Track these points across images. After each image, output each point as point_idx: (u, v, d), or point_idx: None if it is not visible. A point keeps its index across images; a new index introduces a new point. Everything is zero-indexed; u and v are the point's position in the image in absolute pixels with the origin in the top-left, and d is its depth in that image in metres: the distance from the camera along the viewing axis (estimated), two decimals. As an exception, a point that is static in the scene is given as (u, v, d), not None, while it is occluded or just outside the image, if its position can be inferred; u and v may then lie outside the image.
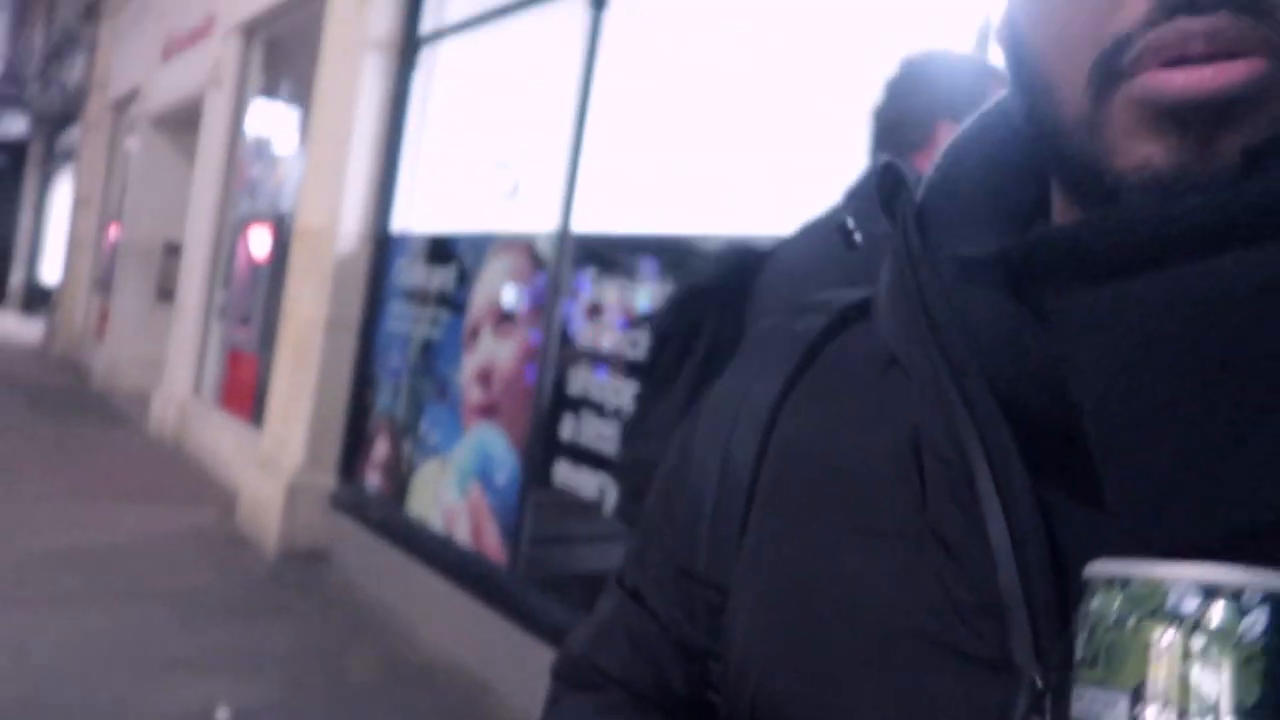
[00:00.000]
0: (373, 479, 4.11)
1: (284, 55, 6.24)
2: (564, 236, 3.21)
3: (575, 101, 3.25)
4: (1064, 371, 0.37)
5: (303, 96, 5.53)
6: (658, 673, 0.53)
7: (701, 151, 4.74)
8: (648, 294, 2.84)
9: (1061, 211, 0.43)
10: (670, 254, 2.85)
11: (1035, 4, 0.39)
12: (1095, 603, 0.28)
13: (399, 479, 3.93)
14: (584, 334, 3.07)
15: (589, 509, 2.89)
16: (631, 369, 2.83)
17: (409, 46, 4.24)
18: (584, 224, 3.21)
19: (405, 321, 4.04)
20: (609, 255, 3.06)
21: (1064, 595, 0.37)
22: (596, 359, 2.99)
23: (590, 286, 3.09)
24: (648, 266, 2.89)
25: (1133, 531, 0.34)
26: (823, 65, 4.89)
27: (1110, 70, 0.36)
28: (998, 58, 0.44)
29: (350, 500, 4.12)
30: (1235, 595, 0.27)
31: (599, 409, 2.92)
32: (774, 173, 4.59)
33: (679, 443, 0.57)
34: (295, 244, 4.63)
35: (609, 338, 2.95)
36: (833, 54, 4.79)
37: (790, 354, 0.52)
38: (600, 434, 2.90)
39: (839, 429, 0.48)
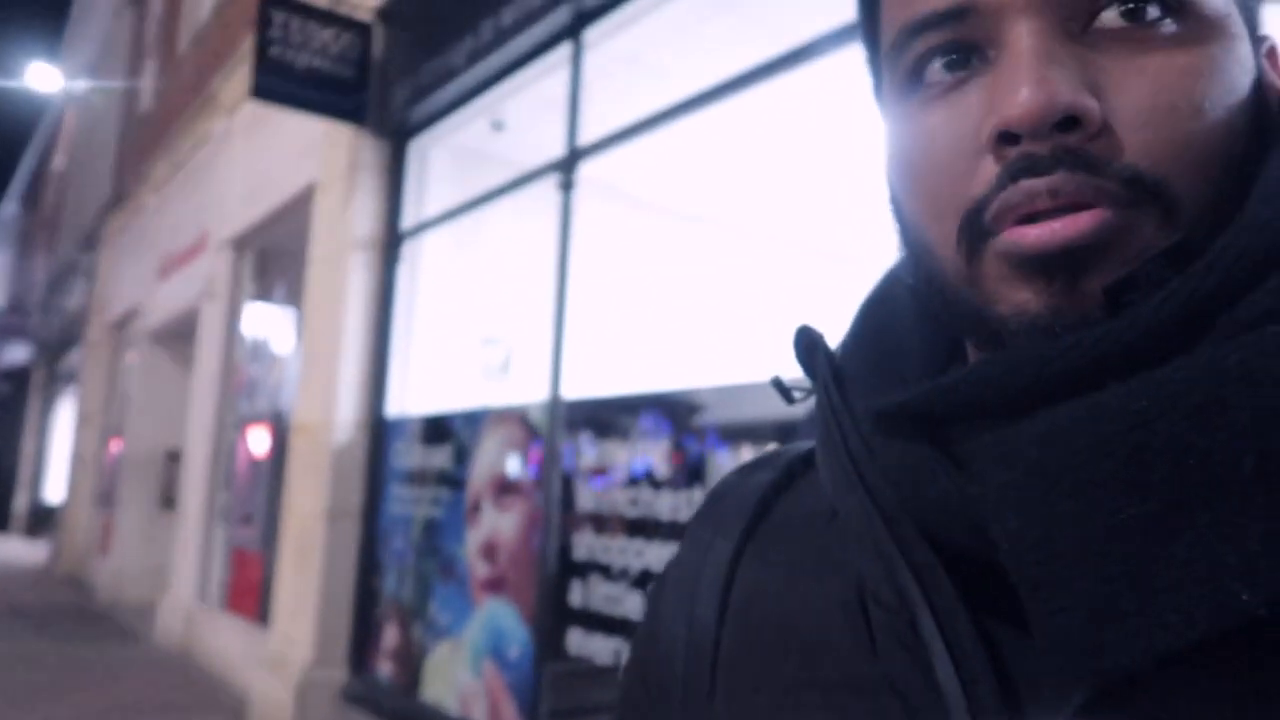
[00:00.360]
0: (384, 668, 4.04)
1: (275, 262, 6.50)
2: (555, 404, 3.29)
3: (554, 275, 3.40)
4: (981, 511, 0.37)
5: (295, 298, 5.74)
6: None
7: (678, 310, 4.89)
8: (642, 451, 2.90)
9: (972, 354, 0.45)
10: (659, 410, 2.92)
11: (907, 175, 0.42)
12: None
13: (411, 665, 3.86)
14: (583, 497, 3.10)
15: (605, 675, 2.84)
16: (634, 527, 2.84)
17: (391, 242, 4.45)
18: (573, 390, 3.29)
19: (406, 504, 4.07)
20: (600, 417, 3.12)
21: None
22: (599, 521, 3.01)
23: (585, 450, 3.14)
24: (639, 425, 2.95)
25: (1064, 664, 0.34)
26: (783, 204, 5.08)
27: (975, 230, 0.38)
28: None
29: (363, 693, 4.03)
30: None
31: (606, 571, 2.92)
32: (750, 322, 4.72)
33: (649, 608, 0.57)
34: (294, 439, 4.70)
35: (608, 499, 2.98)
36: (794, 203, 5.00)
37: (744, 510, 0.53)
38: (609, 596, 2.88)
39: (792, 583, 0.48)
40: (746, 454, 2.52)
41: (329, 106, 4.36)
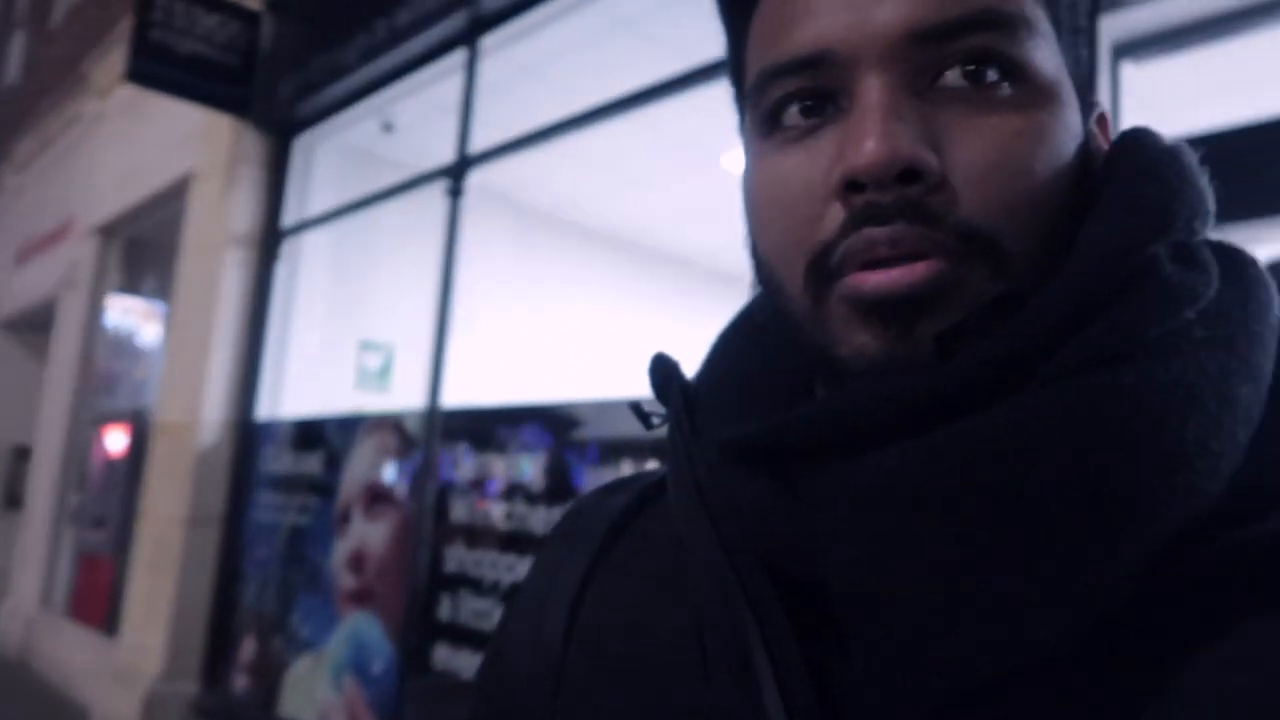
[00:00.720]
0: (240, 681, 3.87)
1: (144, 253, 6.21)
2: (433, 412, 3.23)
3: (438, 282, 3.35)
4: (816, 545, 0.38)
5: (164, 292, 5.49)
6: None
7: (563, 323, 4.88)
8: (521, 465, 2.87)
9: (820, 391, 0.46)
10: (540, 423, 2.89)
11: (761, 215, 0.43)
12: None
13: (269, 679, 3.71)
14: (457, 509, 3.05)
15: (471, 691, 2.79)
16: (508, 541, 2.81)
17: (271, 239, 4.30)
18: (452, 399, 3.24)
19: (273, 511, 3.92)
20: (479, 428, 3.08)
21: None
22: (473, 535, 2.96)
23: (463, 461, 3.09)
24: (518, 437, 2.92)
25: (883, 696, 0.36)
26: (673, 222, 5.15)
27: (822, 272, 0.40)
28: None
29: (215, 707, 3.85)
30: None
31: (477, 585, 2.87)
32: (635, 333, 4.75)
33: (498, 629, 0.57)
34: (155, 439, 4.48)
35: (484, 512, 2.94)
36: (679, 209, 5.06)
37: (596, 533, 0.53)
38: (479, 611, 2.84)
39: (638, 609, 0.48)
40: (626, 470, 2.52)
41: (211, 95, 4.20)
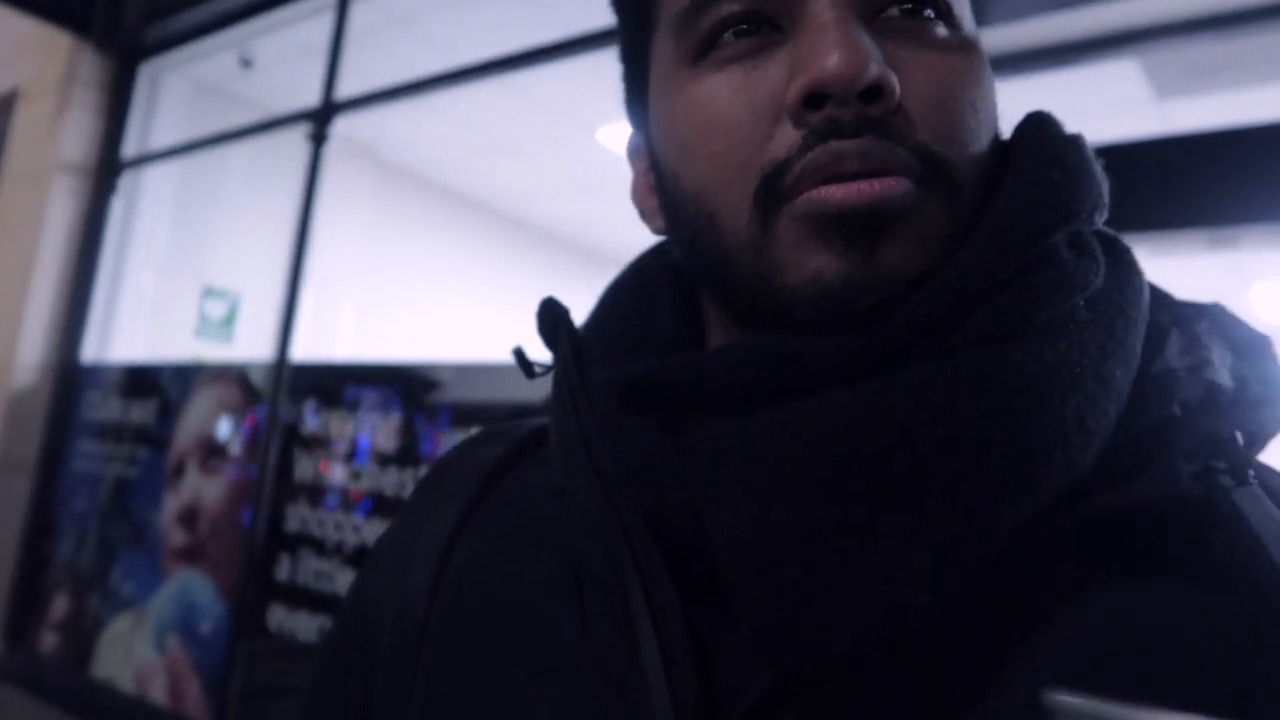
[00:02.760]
0: (49, 641, 3.62)
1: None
2: (281, 366, 3.10)
3: (293, 232, 3.21)
4: (699, 502, 0.38)
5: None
6: None
7: (424, 282, 4.78)
8: (370, 424, 2.79)
9: (715, 342, 0.46)
10: (395, 383, 2.83)
11: (692, 142, 0.41)
12: None
13: (82, 639, 3.48)
14: (303, 467, 2.95)
15: (308, 654, 2.71)
16: (350, 504, 2.74)
17: (107, 171, 4.00)
18: (301, 353, 3.12)
19: (96, 461, 3.67)
20: (327, 385, 2.98)
21: (715, 715, 0.38)
22: (317, 493, 2.87)
23: (308, 418, 2.99)
24: (369, 396, 2.84)
25: (758, 653, 0.36)
26: (539, 193, 5.13)
27: (772, 192, 0.39)
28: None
29: (19, 668, 3.59)
30: None
31: (319, 546, 2.78)
32: (494, 301, 4.71)
33: (356, 581, 0.55)
34: (-40, 378, 4.11)
35: (330, 471, 2.85)
36: (549, 179, 5.05)
37: (468, 484, 0.52)
38: (320, 572, 2.76)
39: (510, 559, 0.47)
40: (480, 436, 2.50)
41: (45, 7, 3.85)
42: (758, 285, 0.40)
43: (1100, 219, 0.42)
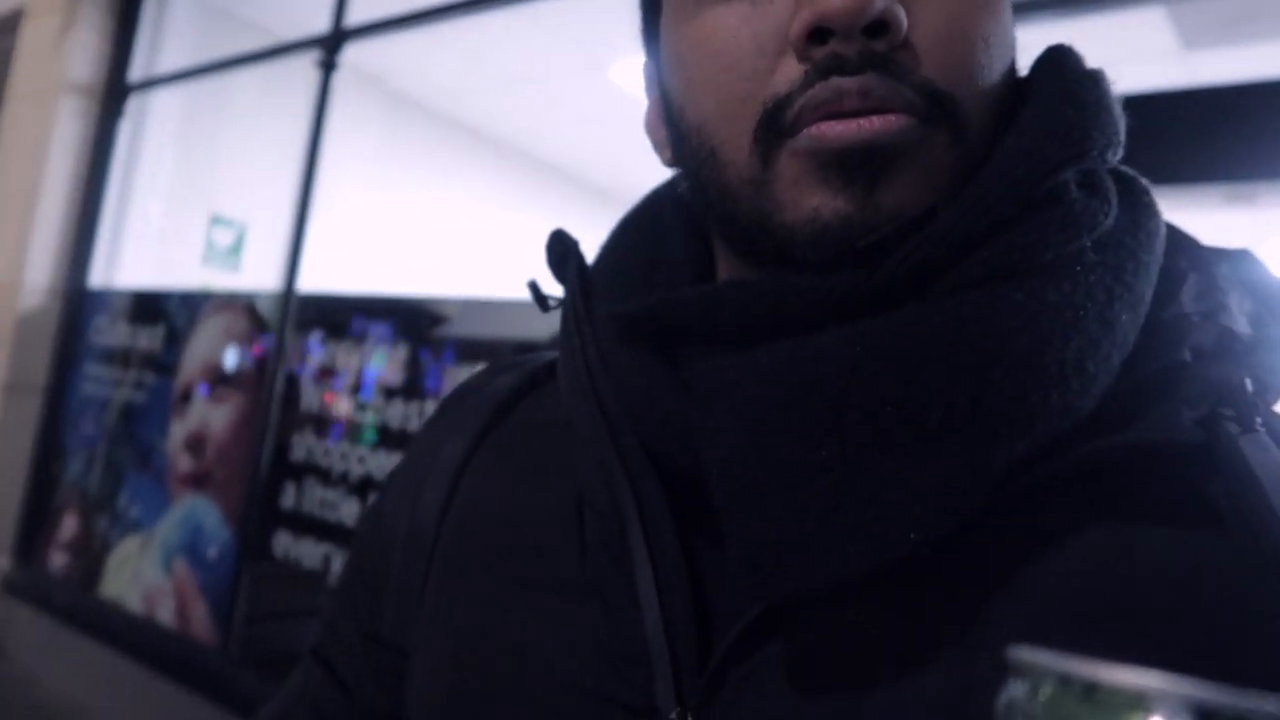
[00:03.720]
0: (58, 560, 3.69)
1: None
2: (288, 297, 3.10)
3: (302, 161, 3.18)
4: (698, 434, 0.39)
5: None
6: None
7: (432, 214, 4.76)
8: (378, 358, 2.80)
9: (725, 276, 0.46)
10: (402, 316, 2.83)
11: (696, 75, 0.41)
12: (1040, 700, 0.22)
13: (90, 559, 3.55)
14: (309, 398, 2.97)
15: (312, 580, 2.76)
16: (359, 433, 2.76)
17: (114, 93, 3.96)
18: (310, 284, 3.12)
19: (103, 385, 3.70)
20: (334, 317, 2.99)
21: (706, 641, 0.39)
22: (323, 424, 2.89)
23: (317, 349, 3.00)
24: (375, 329, 2.85)
25: (748, 583, 0.36)
26: (550, 127, 5.07)
27: (773, 128, 0.38)
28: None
29: (29, 584, 3.66)
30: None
31: (325, 475, 2.82)
32: (502, 236, 4.69)
33: (373, 505, 0.57)
34: (-31, 298, 4.13)
35: (336, 402, 2.87)
36: (560, 115, 4.99)
37: (481, 413, 0.53)
38: (325, 501, 2.79)
39: (518, 487, 0.48)
40: (485, 371, 2.50)
41: (51, -77, 3.78)
42: (757, 222, 0.40)
43: (1115, 157, 0.41)
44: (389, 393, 2.73)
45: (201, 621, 3.08)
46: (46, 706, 3.22)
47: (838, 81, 0.37)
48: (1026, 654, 0.21)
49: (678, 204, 0.49)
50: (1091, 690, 0.20)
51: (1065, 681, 0.20)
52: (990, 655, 0.32)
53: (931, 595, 0.36)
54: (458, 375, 2.58)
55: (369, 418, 2.76)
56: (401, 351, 2.74)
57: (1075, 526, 0.36)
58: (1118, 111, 0.41)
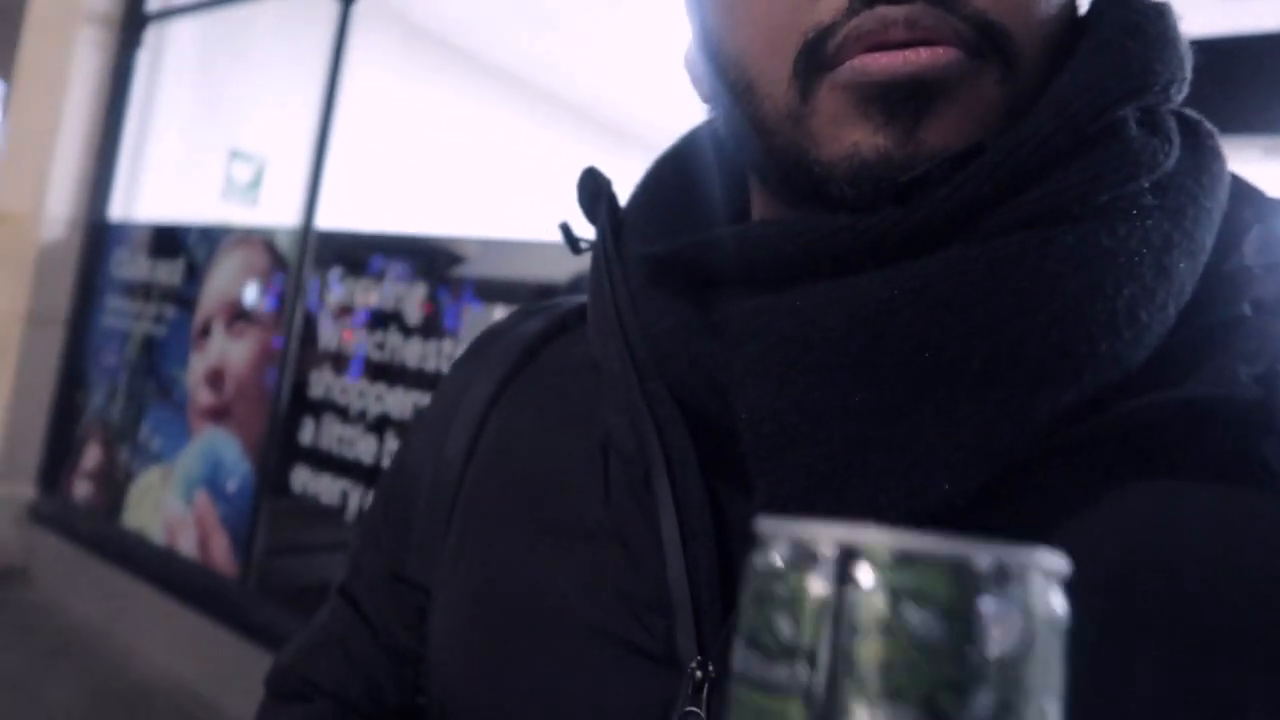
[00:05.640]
0: (82, 489, 3.75)
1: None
2: (306, 233, 3.09)
3: (321, 96, 3.15)
4: (727, 378, 0.38)
5: (4, 69, 4.96)
6: (369, 682, 0.51)
7: (451, 152, 4.73)
8: (395, 295, 2.80)
9: (759, 216, 0.44)
10: (420, 255, 2.82)
11: (731, 5, 0.40)
12: (755, 559, 0.25)
13: (113, 489, 3.61)
14: (327, 335, 2.98)
15: (330, 516, 2.80)
16: (377, 371, 2.77)
17: (133, 23, 3.92)
18: (329, 221, 3.11)
19: (124, 317, 3.73)
20: (354, 254, 2.98)
21: (730, 590, 0.38)
22: (340, 361, 2.90)
23: (335, 286, 3.00)
24: (395, 267, 2.84)
25: None
26: (572, 66, 5.00)
27: (814, 60, 0.36)
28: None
29: (53, 513, 3.73)
30: (886, 558, 0.22)
31: (343, 412, 2.84)
32: (522, 175, 4.66)
33: (401, 445, 0.57)
34: (-9, 228, 4.14)
35: (354, 339, 2.88)
36: (582, 53, 4.91)
37: (509, 355, 0.52)
38: (343, 438, 2.82)
39: (544, 429, 0.48)
40: (499, 313, 2.50)
41: None
42: (794, 158, 0.38)
43: (1179, 95, 0.38)
44: (407, 331, 2.73)
45: (222, 553, 3.13)
46: (72, 631, 3.30)
47: (883, 11, 0.35)
48: (769, 521, 0.22)
49: (714, 145, 0.48)
50: (809, 554, 0.21)
51: (794, 547, 0.21)
52: None
53: None
54: (476, 315, 2.58)
55: (386, 356, 2.76)
56: (420, 290, 2.74)
57: (1121, 482, 0.35)
58: (1184, 47, 0.39)
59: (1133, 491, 0.35)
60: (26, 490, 3.82)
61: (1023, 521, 0.35)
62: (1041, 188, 0.35)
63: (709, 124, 0.49)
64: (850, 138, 0.36)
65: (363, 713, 0.51)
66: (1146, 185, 0.36)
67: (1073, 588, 0.30)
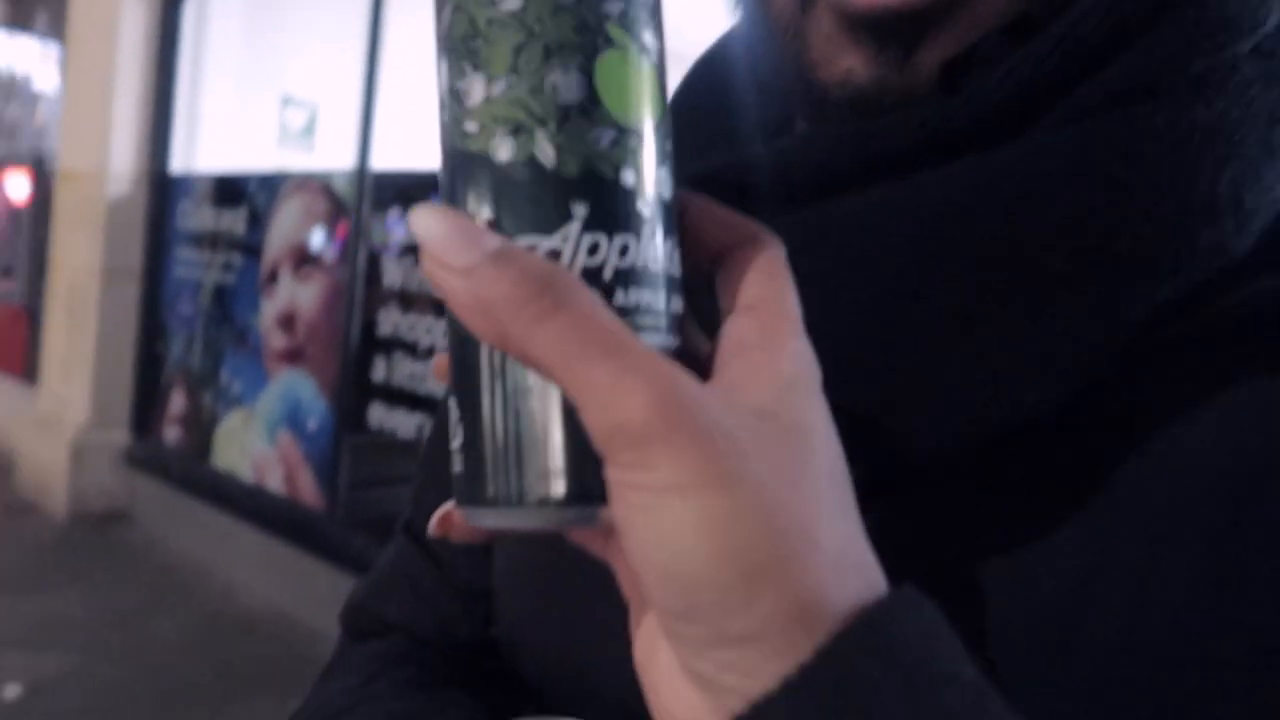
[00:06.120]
0: (171, 434, 3.93)
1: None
2: (362, 174, 3.15)
3: (366, 38, 3.17)
4: None
5: (58, 31, 5.04)
6: (440, 617, 0.51)
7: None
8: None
9: (800, 124, 0.41)
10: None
11: None
12: None
13: (201, 432, 3.78)
14: (390, 273, 3.05)
15: (407, 449, 2.91)
16: (442, 307, 2.84)
17: (177, -27, 3.95)
18: (384, 161, 3.15)
19: (195, 267, 3.85)
20: (411, 192, 3.03)
21: None
22: (405, 299, 2.98)
23: (396, 226, 3.06)
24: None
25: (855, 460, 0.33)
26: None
27: None
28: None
29: (147, 457, 3.93)
30: None
31: (412, 349, 2.92)
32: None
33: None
34: (60, 188, 4.27)
35: (417, 277, 2.95)
36: None
37: None
38: (413, 374, 2.91)
39: None
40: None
41: None
42: (798, 73, 0.35)
43: None
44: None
45: (308, 488, 3.28)
46: (173, 568, 3.50)
47: None
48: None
49: (746, 50, 0.44)
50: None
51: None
52: (1128, 532, 0.30)
53: (1056, 467, 0.31)
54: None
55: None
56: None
57: (1226, 384, 0.31)
58: None
59: (1241, 393, 0.30)
60: (120, 436, 4.02)
61: (1118, 434, 0.31)
62: (1120, 61, 0.31)
63: (740, 29, 0.46)
64: (844, 63, 0.33)
65: (436, 647, 0.50)
66: (1246, 50, 0.31)
67: (1179, 507, 0.29)
